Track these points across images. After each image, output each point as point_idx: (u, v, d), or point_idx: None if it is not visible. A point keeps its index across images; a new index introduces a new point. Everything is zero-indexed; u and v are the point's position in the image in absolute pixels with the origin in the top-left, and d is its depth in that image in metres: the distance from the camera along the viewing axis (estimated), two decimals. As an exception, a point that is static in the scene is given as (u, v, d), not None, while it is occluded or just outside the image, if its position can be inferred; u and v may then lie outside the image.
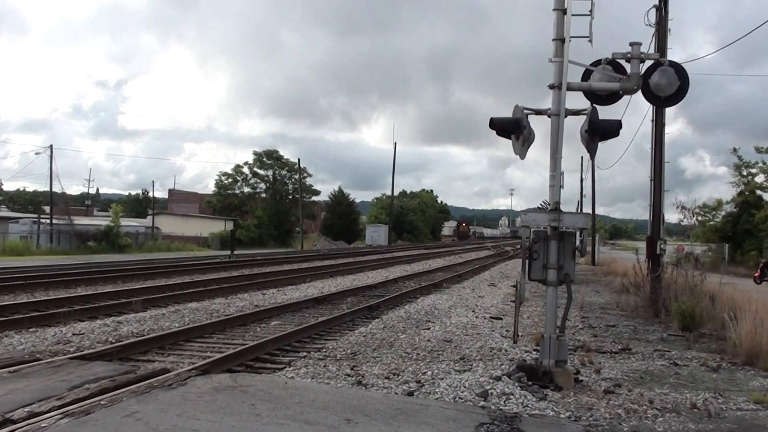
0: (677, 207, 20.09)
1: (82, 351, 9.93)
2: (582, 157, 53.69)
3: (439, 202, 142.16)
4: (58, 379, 7.66)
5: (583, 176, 55.63)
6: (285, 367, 9.63)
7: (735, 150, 47.86)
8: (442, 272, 31.65)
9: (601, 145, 9.55)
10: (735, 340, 11.19)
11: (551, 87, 9.04)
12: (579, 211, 39.15)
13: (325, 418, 6.51)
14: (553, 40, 9.08)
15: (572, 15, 8.91)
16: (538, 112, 9.33)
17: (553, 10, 9.06)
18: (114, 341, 11.04)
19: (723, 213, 49.86)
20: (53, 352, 10.04)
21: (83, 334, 11.72)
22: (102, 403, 6.56)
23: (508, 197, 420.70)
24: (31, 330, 12.00)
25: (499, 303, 18.80)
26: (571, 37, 8.91)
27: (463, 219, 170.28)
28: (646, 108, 19.68)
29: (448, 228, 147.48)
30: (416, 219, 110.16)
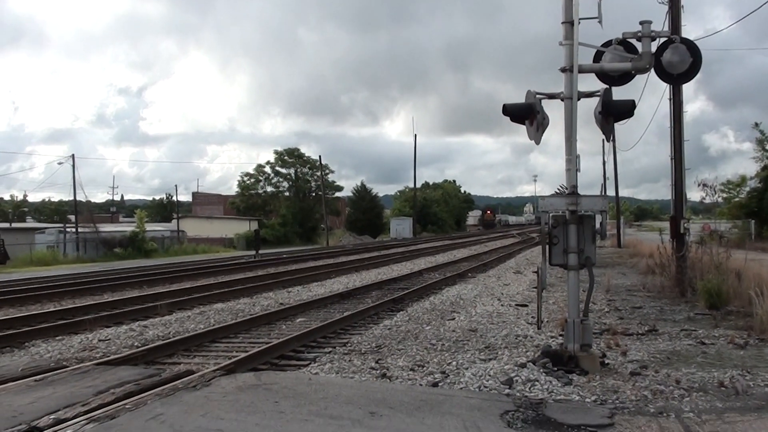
0: (698, 185, 19.78)
1: (108, 356, 10.03)
2: (603, 140, 53.28)
3: (462, 192, 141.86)
4: (83, 385, 7.73)
5: (606, 159, 55.24)
6: (310, 363, 9.66)
7: (757, 125, 47.06)
8: (467, 262, 31.58)
9: (623, 126, 9.55)
10: (762, 316, 11.04)
11: (563, 70, 8.95)
12: (603, 193, 38.86)
13: (349, 412, 6.52)
14: (562, 23, 8.97)
15: (580, -4, 8.82)
16: (551, 96, 9.24)
17: (561, -8, 8.98)
18: (140, 345, 11.14)
19: (747, 189, 49.13)
20: (79, 358, 10.14)
21: (109, 339, 11.84)
22: (127, 407, 6.62)
23: (532, 183, 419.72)
24: (57, 338, 12.15)
25: (524, 290, 18.72)
26: (580, 19, 8.82)
27: (488, 207, 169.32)
28: (664, 87, 19.44)
29: (472, 217, 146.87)
30: (440, 210, 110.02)
